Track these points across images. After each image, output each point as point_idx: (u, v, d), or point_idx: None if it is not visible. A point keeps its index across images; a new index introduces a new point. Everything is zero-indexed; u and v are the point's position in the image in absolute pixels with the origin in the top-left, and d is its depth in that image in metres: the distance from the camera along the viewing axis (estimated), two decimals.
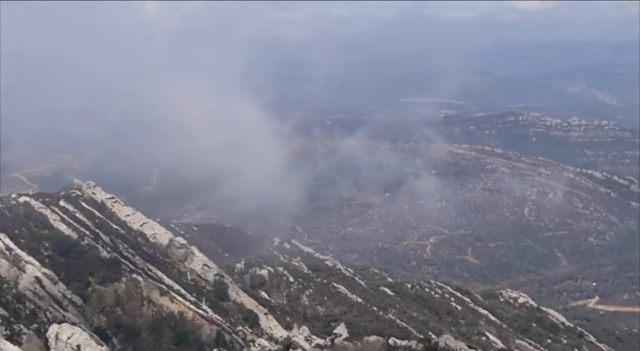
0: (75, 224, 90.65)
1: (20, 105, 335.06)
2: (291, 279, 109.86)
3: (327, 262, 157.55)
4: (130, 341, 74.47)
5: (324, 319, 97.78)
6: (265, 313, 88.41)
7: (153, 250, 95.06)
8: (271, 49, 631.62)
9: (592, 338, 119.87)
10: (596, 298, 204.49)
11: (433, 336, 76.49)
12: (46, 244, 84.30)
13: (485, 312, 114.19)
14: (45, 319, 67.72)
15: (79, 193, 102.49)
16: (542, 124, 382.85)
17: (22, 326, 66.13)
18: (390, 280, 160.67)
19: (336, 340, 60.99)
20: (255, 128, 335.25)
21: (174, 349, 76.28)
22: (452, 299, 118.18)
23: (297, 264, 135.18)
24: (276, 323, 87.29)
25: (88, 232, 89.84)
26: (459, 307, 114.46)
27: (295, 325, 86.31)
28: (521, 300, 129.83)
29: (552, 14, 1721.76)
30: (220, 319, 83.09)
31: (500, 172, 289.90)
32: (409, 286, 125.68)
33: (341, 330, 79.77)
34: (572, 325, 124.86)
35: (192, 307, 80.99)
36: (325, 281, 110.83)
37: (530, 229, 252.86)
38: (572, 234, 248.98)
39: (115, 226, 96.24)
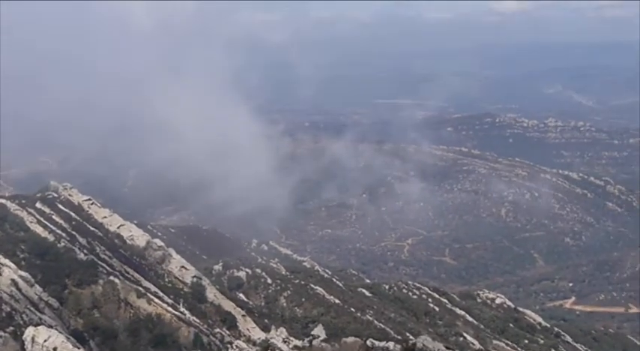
0: (51, 226, 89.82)
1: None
2: (269, 281, 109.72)
3: (305, 264, 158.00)
4: (107, 344, 73.93)
5: (302, 320, 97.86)
6: (243, 315, 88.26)
7: (130, 253, 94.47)
8: (249, 50, 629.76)
9: (569, 338, 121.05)
10: (573, 298, 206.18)
11: (411, 337, 76.75)
12: (23, 247, 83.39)
13: (462, 313, 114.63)
14: (21, 322, 67.03)
15: (56, 195, 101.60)
16: (519, 125, 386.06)
17: None
18: (367, 281, 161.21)
19: (314, 342, 61.31)
20: (232, 130, 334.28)
21: None
22: (429, 300, 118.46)
23: (275, 266, 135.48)
24: (254, 325, 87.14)
25: (64, 234, 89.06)
26: (437, 308, 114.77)
27: (273, 326, 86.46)
28: (498, 301, 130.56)
29: (531, 16, 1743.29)
30: (198, 321, 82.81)
31: (478, 174, 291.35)
32: (387, 287, 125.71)
33: (319, 331, 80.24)
34: (548, 326, 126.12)
35: (169, 309, 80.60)
36: (303, 283, 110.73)
37: (507, 230, 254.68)
38: (548, 235, 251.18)
39: (92, 228, 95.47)
